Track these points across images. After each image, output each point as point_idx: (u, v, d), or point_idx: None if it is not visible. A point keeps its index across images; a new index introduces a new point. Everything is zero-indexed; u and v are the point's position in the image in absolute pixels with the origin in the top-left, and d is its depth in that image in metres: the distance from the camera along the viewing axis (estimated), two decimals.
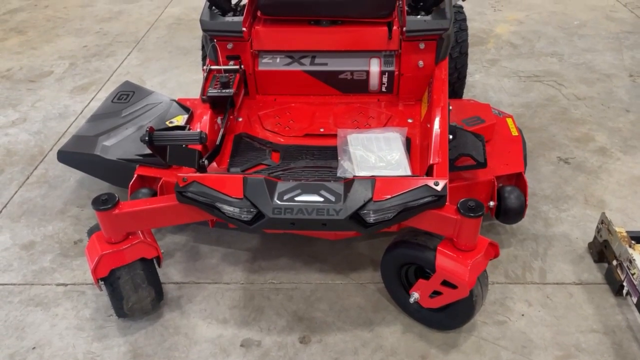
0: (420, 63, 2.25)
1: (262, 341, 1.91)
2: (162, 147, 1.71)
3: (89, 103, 3.40)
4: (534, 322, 1.94)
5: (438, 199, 1.63)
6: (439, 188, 1.63)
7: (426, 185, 1.64)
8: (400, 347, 1.87)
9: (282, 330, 1.94)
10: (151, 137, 1.67)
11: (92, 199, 1.73)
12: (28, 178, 2.76)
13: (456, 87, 2.74)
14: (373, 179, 1.66)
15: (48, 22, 4.60)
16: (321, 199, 1.64)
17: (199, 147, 1.88)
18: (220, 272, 2.18)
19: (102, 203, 1.69)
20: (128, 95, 2.76)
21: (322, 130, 2.19)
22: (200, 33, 2.48)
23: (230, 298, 2.07)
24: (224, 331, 1.95)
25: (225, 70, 2.26)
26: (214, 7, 2.29)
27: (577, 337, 1.89)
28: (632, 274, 1.90)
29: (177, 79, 3.66)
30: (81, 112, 3.30)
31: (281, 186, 1.69)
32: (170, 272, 2.18)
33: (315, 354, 1.86)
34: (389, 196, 1.63)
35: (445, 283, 1.72)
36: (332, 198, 1.64)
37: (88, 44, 4.18)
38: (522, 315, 1.97)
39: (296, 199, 1.64)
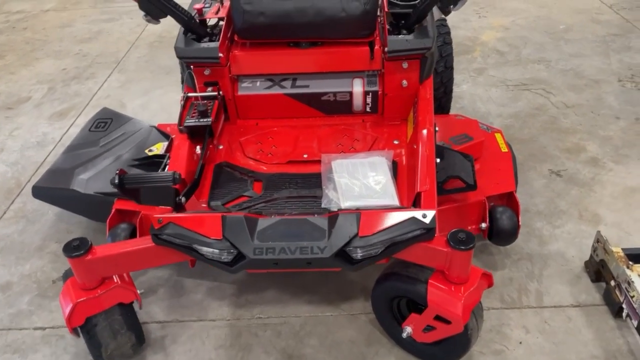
0: (404, 82, 2.19)
1: None
2: (135, 189, 1.63)
3: (68, 129, 3.31)
4: (532, 351, 1.87)
5: (426, 232, 1.56)
6: (427, 220, 1.56)
7: (413, 217, 1.57)
8: None
9: None
10: (121, 181, 1.58)
11: (64, 244, 1.64)
12: (5, 213, 2.66)
13: (443, 101, 2.68)
14: (358, 213, 1.58)
15: (27, 45, 4.50)
16: (305, 236, 1.56)
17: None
18: (205, 307, 2.10)
19: (74, 249, 1.60)
20: (106, 122, 2.68)
21: (305, 156, 2.11)
22: None
23: (215, 337, 1.98)
24: None
25: (203, 98, 2.18)
26: (189, 33, 2.21)
27: None
28: (632, 297, 1.83)
29: (159, 100, 3.58)
30: (60, 140, 3.21)
31: (262, 223, 1.61)
32: (153, 311, 2.09)
33: None
34: (376, 231, 1.55)
35: (438, 317, 1.64)
36: (317, 235, 1.56)
37: (67, 67, 4.09)
38: (520, 343, 1.90)
39: (278, 237, 1.56)
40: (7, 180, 2.89)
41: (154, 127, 2.59)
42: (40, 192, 2.33)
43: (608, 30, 4.10)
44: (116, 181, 1.57)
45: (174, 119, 2.92)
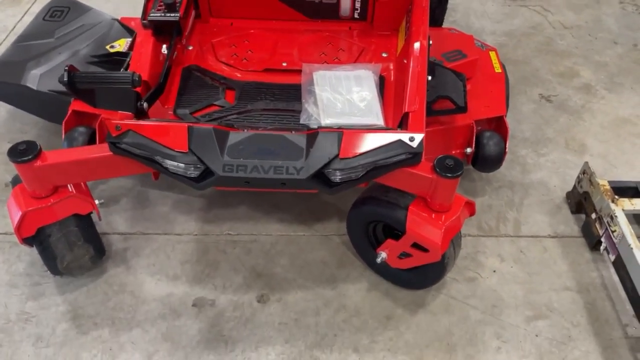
0: None
1: (217, 300, 1.76)
2: (88, 90, 1.43)
3: (22, 17, 2.99)
4: (506, 279, 1.84)
5: (413, 157, 1.43)
6: (414, 144, 1.43)
7: (400, 140, 1.44)
8: (364, 307, 1.75)
9: (238, 288, 1.79)
10: (71, 79, 1.38)
11: (9, 147, 1.46)
12: None
13: (437, 12, 2.46)
14: (340, 132, 1.44)
15: None
16: (280, 155, 1.42)
17: None
18: (171, 221, 1.99)
19: (20, 154, 1.43)
20: (62, 11, 2.39)
21: (284, 64, 1.92)
22: None
23: (181, 251, 1.89)
24: (174, 289, 1.78)
25: None
26: None
27: (549, 295, 1.80)
28: (613, 231, 1.78)
29: None
30: (13, 29, 2.90)
31: (233, 137, 1.45)
32: (115, 221, 1.98)
33: (274, 314, 1.73)
34: (358, 153, 1.42)
35: (415, 245, 1.57)
36: (293, 154, 1.42)
37: None
38: (494, 271, 1.87)
39: (251, 154, 1.42)
40: None
41: (117, 20, 2.33)
42: None
43: None
44: (65, 79, 1.37)
45: (139, 13, 2.65)
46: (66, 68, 1.38)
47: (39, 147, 1.46)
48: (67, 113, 1.84)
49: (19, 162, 1.42)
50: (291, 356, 1.63)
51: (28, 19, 2.94)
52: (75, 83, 1.40)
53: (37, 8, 3.02)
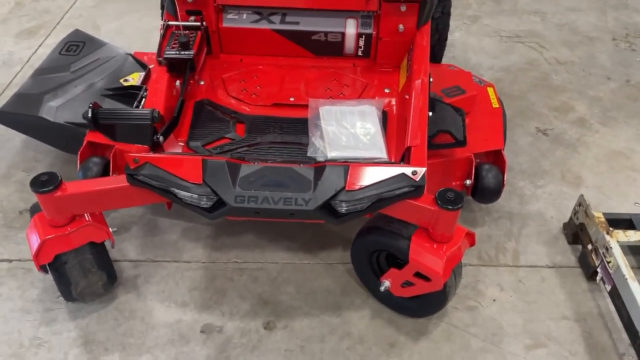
0: (401, 27, 2.07)
1: (224, 327, 1.81)
2: (109, 125, 1.52)
3: (36, 50, 3.10)
4: (505, 308, 1.89)
5: (415, 190, 1.51)
6: (417, 178, 1.51)
7: (403, 174, 1.51)
8: (368, 334, 1.80)
9: (245, 315, 1.84)
10: (95, 115, 1.46)
11: (31, 178, 1.54)
12: None
13: (436, 49, 2.57)
14: (346, 166, 1.52)
15: None
16: (289, 187, 1.49)
17: None
18: (180, 249, 2.05)
19: (42, 184, 1.50)
20: (78, 46, 2.50)
21: (292, 99, 2.01)
22: None
23: (190, 279, 1.95)
24: (183, 315, 1.84)
25: (185, 27, 2.02)
26: None
27: (547, 324, 1.85)
28: (608, 262, 1.85)
29: (135, 25, 3.36)
30: (28, 61, 3.00)
31: (245, 170, 1.53)
32: (125, 248, 2.04)
33: (280, 341, 1.78)
34: (363, 185, 1.49)
35: (418, 274, 1.63)
36: (302, 186, 1.49)
37: None
38: (494, 300, 1.92)
39: (261, 186, 1.49)
40: None
41: (130, 54, 2.43)
42: (6, 117, 2.19)
43: None
44: (89, 115, 1.45)
45: (151, 47, 2.74)
46: (90, 105, 1.46)
47: (59, 178, 1.53)
48: (83, 144, 1.92)
49: (41, 193, 1.50)
50: None
51: (42, 51, 3.06)
52: (98, 119, 1.48)
53: (50, 41, 3.14)
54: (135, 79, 2.29)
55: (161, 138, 1.66)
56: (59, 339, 1.76)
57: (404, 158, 1.68)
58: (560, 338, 1.81)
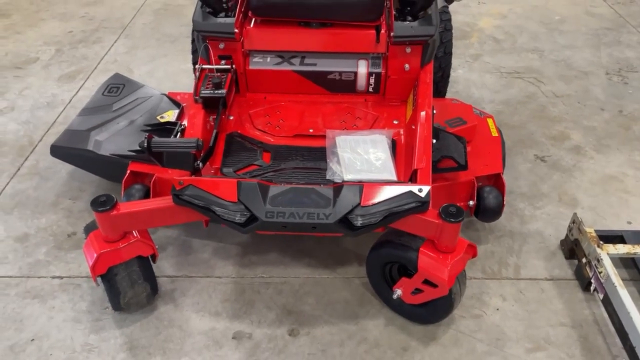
0: (407, 66, 2.33)
1: (253, 334, 2.01)
2: (159, 152, 1.78)
3: (77, 92, 3.41)
4: (508, 316, 2.08)
5: (421, 205, 1.73)
6: (422, 195, 1.74)
7: (410, 191, 1.74)
8: (383, 339, 1.99)
9: (271, 323, 2.05)
10: (150, 144, 1.73)
11: (91, 199, 1.79)
12: (19, 169, 2.79)
13: (440, 85, 2.82)
14: (361, 185, 1.76)
15: (31, 5, 4.55)
16: (312, 204, 1.73)
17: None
18: (212, 266, 2.27)
19: (101, 204, 1.75)
20: (118, 88, 2.80)
21: (311, 130, 2.27)
22: (187, 20, 2.51)
23: (221, 292, 2.16)
24: (216, 324, 2.05)
25: (217, 70, 2.31)
26: (205, 7, 2.33)
27: (546, 330, 2.03)
28: (599, 272, 2.04)
29: (165, 68, 3.69)
30: (69, 102, 3.32)
31: (273, 190, 1.78)
32: (163, 266, 2.27)
33: (304, 345, 1.97)
34: (376, 201, 1.72)
35: (426, 282, 1.83)
36: (323, 203, 1.73)
37: (73, 30, 4.16)
38: (497, 309, 2.11)
39: (288, 203, 1.73)
40: (20, 138, 3.01)
41: (165, 95, 2.72)
42: (58, 151, 2.46)
43: (601, 23, 4.26)
44: (145, 144, 1.72)
45: (180, 88, 3.07)
46: (146, 136, 1.72)
47: (115, 199, 1.79)
48: (126, 173, 2.19)
49: (100, 211, 1.75)
50: None
51: (82, 93, 3.38)
52: (152, 147, 1.74)
53: (89, 84, 3.47)
54: (170, 115, 2.56)
55: (201, 164, 1.92)
56: (107, 345, 1.97)
57: (411, 179, 1.91)
58: (558, 342, 1.99)
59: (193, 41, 2.72)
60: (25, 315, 2.08)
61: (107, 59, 3.78)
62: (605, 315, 2.04)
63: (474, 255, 1.89)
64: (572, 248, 2.27)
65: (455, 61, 3.59)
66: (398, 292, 1.93)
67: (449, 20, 2.78)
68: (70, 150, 2.44)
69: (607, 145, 2.97)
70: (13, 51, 3.86)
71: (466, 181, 2.22)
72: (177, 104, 2.63)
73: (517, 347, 1.97)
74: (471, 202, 2.22)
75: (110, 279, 1.89)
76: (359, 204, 1.72)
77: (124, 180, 2.17)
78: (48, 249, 2.35)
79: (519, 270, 2.26)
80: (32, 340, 1.99)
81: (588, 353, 1.95)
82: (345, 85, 2.43)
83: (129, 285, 1.92)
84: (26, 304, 2.12)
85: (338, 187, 1.77)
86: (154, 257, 1.98)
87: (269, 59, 2.41)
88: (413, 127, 2.15)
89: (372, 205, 1.72)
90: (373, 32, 2.32)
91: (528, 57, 3.80)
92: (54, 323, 2.05)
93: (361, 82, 2.42)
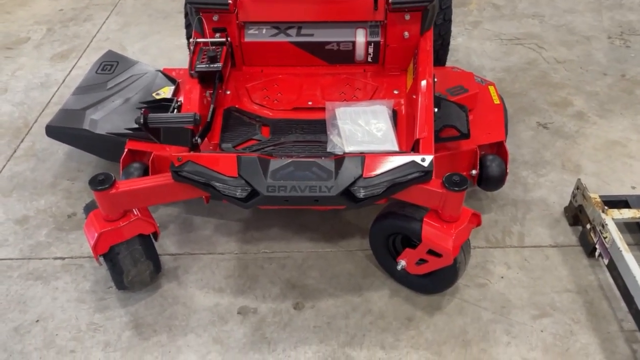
0: (406, 34, 2.28)
1: (258, 308, 2.01)
2: (156, 129, 1.74)
3: (70, 71, 3.36)
4: (512, 284, 2.07)
5: (424, 175, 1.71)
6: (425, 164, 1.71)
7: (413, 161, 1.72)
8: (388, 311, 1.99)
9: (276, 298, 2.04)
10: (146, 120, 1.69)
11: (89, 178, 1.76)
12: (15, 151, 2.76)
13: (440, 53, 2.77)
14: (363, 157, 1.73)
15: None
16: (313, 177, 1.70)
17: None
18: (214, 243, 2.26)
19: (100, 183, 1.73)
20: (112, 65, 2.74)
21: (310, 103, 2.22)
22: None
23: (225, 268, 2.16)
24: (220, 300, 2.04)
25: (212, 43, 2.25)
26: None
27: (552, 296, 2.03)
28: (604, 238, 2.02)
29: (158, 45, 3.62)
30: (63, 82, 3.26)
31: (274, 164, 1.75)
32: (165, 244, 2.25)
33: (309, 319, 1.97)
34: (378, 172, 1.70)
35: (430, 252, 1.82)
36: (324, 175, 1.70)
37: (64, 8, 4.07)
38: (502, 277, 2.10)
39: (289, 177, 1.70)
40: (15, 119, 2.97)
41: (160, 71, 2.66)
42: (54, 131, 2.43)
43: None
44: (141, 120, 1.68)
45: (174, 64, 3.01)
46: (142, 112, 1.69)
47: (113, 177, 1.76)
48: (124, 152, 2.16)
49: (98, 190, 1.72)
50: (326, 354, 1.87)
51: (76, 72, 3.32)
52: (148, 123, 1.71)
53: (82, 62, 3.41)
54: (166, 92, 2.52)
55: (199, 140, 1.88)
56: (112, 323, 1.97)
57: (414, 149, 1.88)
58: (563, 308, 1.99)
59: (186, 15, 2.65)
60: (29, 296, 2.07)
61: (99, 37, 3.71)
62: (610, 280, 2.04)
63: (478, 224, 1.88)
64: (576, 214, 2.25)
65: (455, 29, 3.52)
66: (402, 263, 1.92)
67: None
68: (65, 130, 2.40)
69: (610, 110, 2.93)
70: (3, 31, 3.79)
71: (468, 150, 2.20)
72: (172, 80, 2.59)
73: (523, 314, 1.97)
74: (474, 171, 2.20)
75: (113, 258, 1.88)
76: (361, 175, 1.69)
77: (122, 159, 2.14)
78: (48, 231, 2.33)
79: (523, 238, 2.25)
80: (37, 321, 1.99)
81: (593, 318, 1.95)
82: (343, 56, 2.38)
83: (131, 263, 1.91)
84: (29, 285, 2.11)
85: (339, 159, 1.74)
86: (155, 235, 1.96)
87: (264, 31, 2.36)
88: (414, 96, 2.12)
89: (374, 176, 1.69)
90: None
91: (528, 22, 3.73)
92: (58, 304, 2.04)
93: (360, 51, 2.37)
